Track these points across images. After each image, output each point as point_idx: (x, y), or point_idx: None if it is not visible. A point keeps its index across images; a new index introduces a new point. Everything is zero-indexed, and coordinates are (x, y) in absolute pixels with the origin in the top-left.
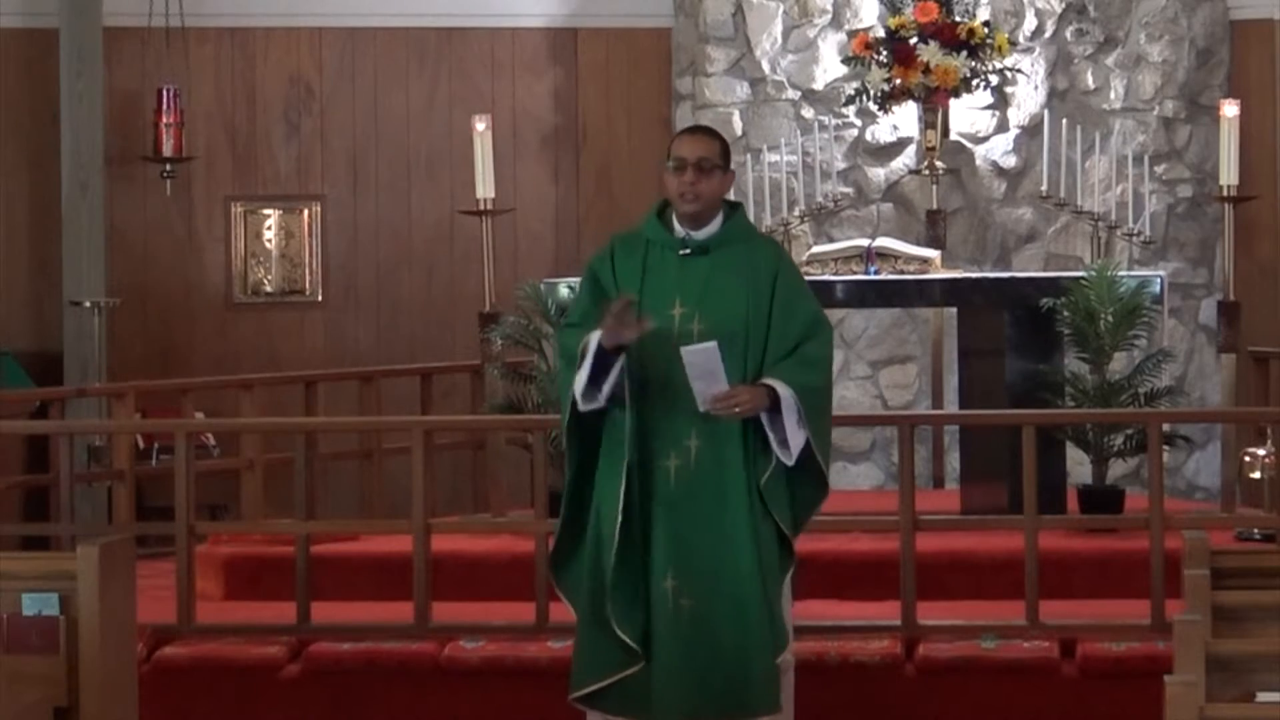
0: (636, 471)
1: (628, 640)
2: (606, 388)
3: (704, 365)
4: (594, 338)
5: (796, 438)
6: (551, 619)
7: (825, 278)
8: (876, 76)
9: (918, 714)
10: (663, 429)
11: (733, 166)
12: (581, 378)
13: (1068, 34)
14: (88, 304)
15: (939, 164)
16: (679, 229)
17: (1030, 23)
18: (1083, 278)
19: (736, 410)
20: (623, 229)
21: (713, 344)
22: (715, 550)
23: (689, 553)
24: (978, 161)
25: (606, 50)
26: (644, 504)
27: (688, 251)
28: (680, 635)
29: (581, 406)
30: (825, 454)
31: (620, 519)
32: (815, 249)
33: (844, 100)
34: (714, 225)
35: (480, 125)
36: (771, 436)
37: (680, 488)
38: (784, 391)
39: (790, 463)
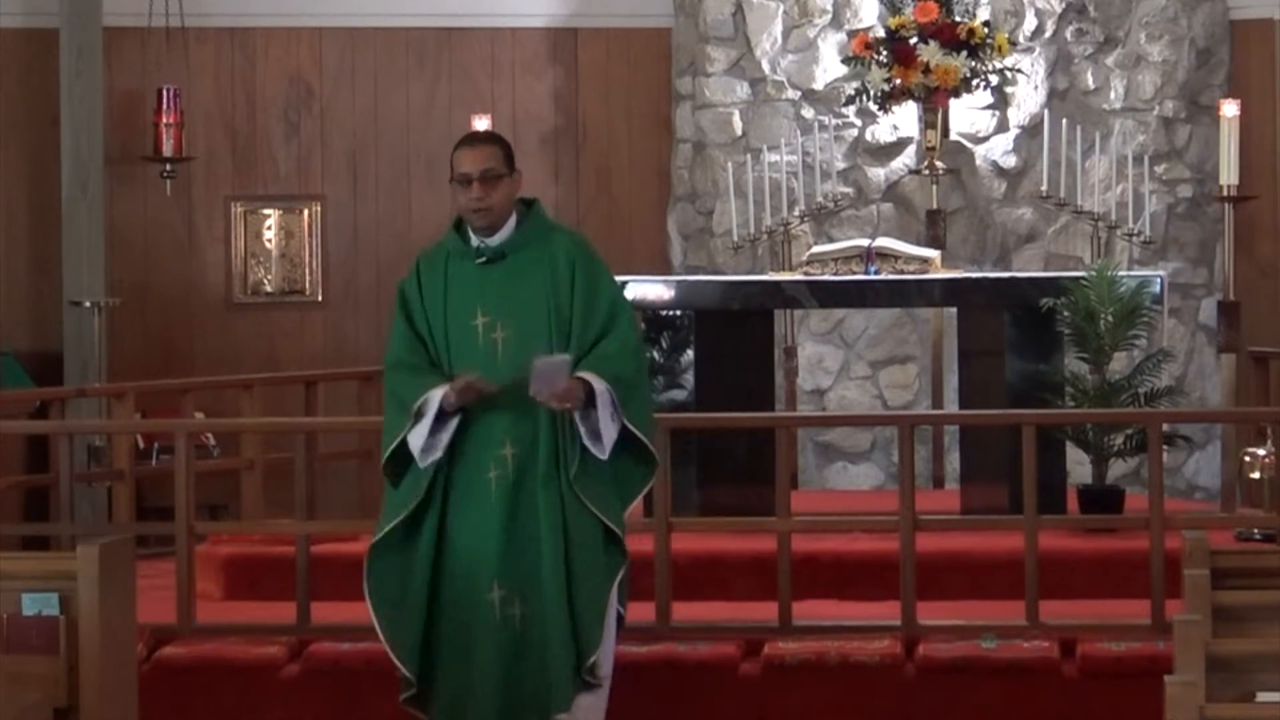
0: (436, 494)
1: (405, 671)
2: (445, 439)
3: (549, 375)
4: (434, 399)
5: (609, 430)
6: None
7: (825, 278)
8: (876, 76)
9: (918, 714)
10: (479, 443)
11: (518, 168)
12: (421, 434)
13: (1068, 34)
14: (88, 304)
15: (939, 164)
16: (474, 237)
17: (1030, 23)
18: (1083, 278)
19: (568, 405)
20: (622, 229)
21: (565, 357)
22: (534, 553)
23: (516, 560)
24: (978, 161)
25: (606, 50)
26: (467, 521)
27: (484, 259)
28: (507, 644)
29: (422, 463)
30: (649, 431)
31: (384, 541)
32: (815, 249)
33: (844, 100)
34: (508, 229)
35: (480, 125)
36: (583, 430)
37: (501, 497)
38: (599, 386)
39: (604, 456)
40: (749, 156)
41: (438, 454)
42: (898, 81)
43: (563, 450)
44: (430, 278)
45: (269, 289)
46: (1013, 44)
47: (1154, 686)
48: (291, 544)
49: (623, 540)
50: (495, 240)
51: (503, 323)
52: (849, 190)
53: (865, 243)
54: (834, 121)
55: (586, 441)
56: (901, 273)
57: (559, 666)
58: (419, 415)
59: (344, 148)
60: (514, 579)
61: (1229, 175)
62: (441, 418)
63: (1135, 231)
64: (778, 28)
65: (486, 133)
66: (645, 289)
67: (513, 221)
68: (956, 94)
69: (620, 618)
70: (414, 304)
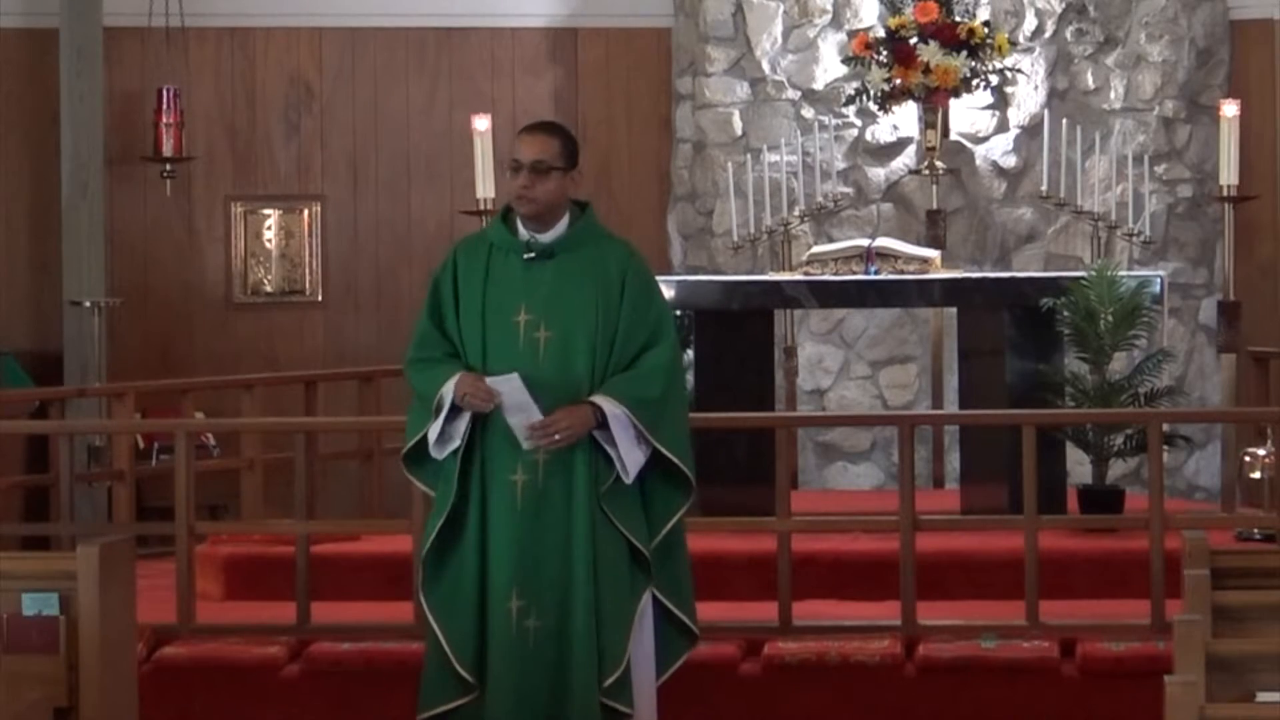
0: (474, 492)
1: (462, 672)
2: (462, 426)
3: (512, 397)
4: (448, 393)
5: (633, 455)
6: None
7: (825, 278)
8: (876, 76)
9: (918, 714)
10: (508, 443)
11: (580, 165)
12: (436, 427)
13: (1068, 34)
14: (88, 304)
15: (939, 164)
16: (523, 231)
17: (1030, 23)
18: (1083, 278)
19: (556, 439)
20: (622, 229)
21: (514, 375)
22: (559, 566)
23: (536, 570)
24: (978, 161)
25: (606, 50)
26: (487, 523)
27: (532, 255)
28: (523, 658)
29: (438, 454)
30: (684, 456)
31: (434, 543)
32: (815, 249)
33: (844, 100)
34: (560, 227)
35: (480, 125)
36: (610, 452)
37: (527, 503)
38: (612, 409)
39: (628, 480)
40: (749, 156)
41: (455, 443)
42: (898, 81)
43: (598, 464)
44: (469, 268)
45: (269, 289)
46: (1013, 44)
47: (1154, 686)
48: (291, 544)
49: (649, 562)
50: (546, 237)
51: (546, 323)
52: (849, 190)
53: (865, 243)
54: (834, 121)
55: (616, 465)
56: (901, 273)
57: (582, 691)
58: (438, 409)
59: (344, 148)
60: (534, 591)
61: (1229, 175)
62: (456, 409)
63: (1135, 231)
64: (778, 28)
65: (551, 123)
66: None
67: (565, 221)
68: (956, 94)
69: (694, 637)
70: (445, 295)
